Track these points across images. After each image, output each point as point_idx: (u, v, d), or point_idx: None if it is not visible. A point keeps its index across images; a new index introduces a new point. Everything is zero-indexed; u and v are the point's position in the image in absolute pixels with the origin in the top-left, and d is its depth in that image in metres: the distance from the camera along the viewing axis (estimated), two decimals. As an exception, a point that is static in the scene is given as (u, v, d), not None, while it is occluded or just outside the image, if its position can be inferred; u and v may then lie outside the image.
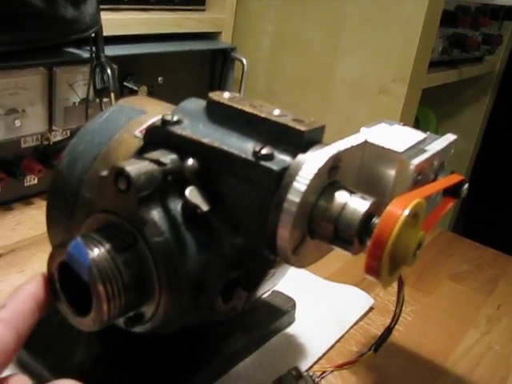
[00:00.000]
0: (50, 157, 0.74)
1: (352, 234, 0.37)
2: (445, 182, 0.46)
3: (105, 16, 0.75)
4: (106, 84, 0.71)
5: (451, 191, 0.48)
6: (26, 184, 0.74)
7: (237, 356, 0.51)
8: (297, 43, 1.03)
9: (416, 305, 0.67)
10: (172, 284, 0.37)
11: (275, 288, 0.57)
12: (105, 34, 0.74)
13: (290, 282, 0.64)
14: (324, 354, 0.55)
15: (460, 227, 1.46)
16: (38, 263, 0.62)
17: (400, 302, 0.50)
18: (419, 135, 0.46)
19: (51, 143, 0.74)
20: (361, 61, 0.93)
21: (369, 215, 0.37)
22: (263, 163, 0.36)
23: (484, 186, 1.44)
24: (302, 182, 0.35)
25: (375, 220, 0.37)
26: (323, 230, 0.37)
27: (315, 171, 0.36)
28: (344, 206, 0.37)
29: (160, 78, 0.88)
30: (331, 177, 0.38)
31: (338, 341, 0.58)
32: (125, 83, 0.81)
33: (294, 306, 0.57)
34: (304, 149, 0.37)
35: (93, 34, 0.71)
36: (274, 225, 0.36)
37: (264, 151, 0.37)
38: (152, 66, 0.87)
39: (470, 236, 0.87)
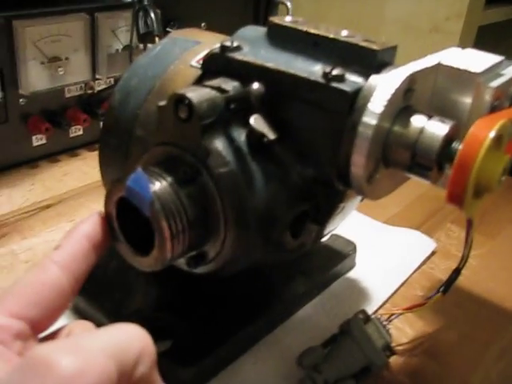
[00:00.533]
0: (95, 106, 0.72)
1: (431, 160, 0.34)
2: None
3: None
4: (149, 28, 0.69)
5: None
6: (71, 135, 0.73)
7: (299, 300, 0.49)
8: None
9: (480, 249, 0.64)
10: (239, 218, 0.35)
11: (335, 231, 0.55)
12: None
13: (349, 226, 0.62)
14: (388, 299, 0.53)
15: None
16: (86, 213, 0.60)
17: (469, 243, 0.47)
18: (495, 58, 0.42)
19: (95, 92, 0.72)
20: (412, -1, 0.89)
21: (448, 139, 0.34)
22: (335, 85, 0.34)
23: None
24: (377, 104, 0.33)
25: (456, 144, 0.34)
26: (399, 157, 0.35)
27: (392, 91, 0.33)
28: (422, 130, 0.34)
29: (203, 24, 0.85)
30: (406, 100, 0.35)
31: (401, 285, 0.55)
32: (167, 29, 0.78)
33: (354, 249, 0.55)
34: (377, 70, 0.35)
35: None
36: (348, 151, 0.33)
37: (335, 72, 0.34)
38: (195, 10, 0.84)
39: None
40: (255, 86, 0.34)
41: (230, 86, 0.36)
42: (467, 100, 0.39)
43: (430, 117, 0.35)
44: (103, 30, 0.69)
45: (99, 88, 0.73)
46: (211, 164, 0.34)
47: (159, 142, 0.36)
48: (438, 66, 0.39)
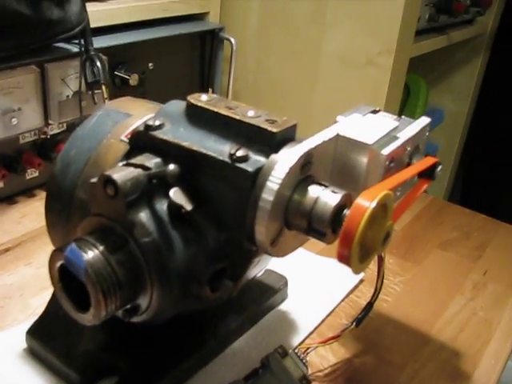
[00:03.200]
0: (49, 149, 0.77)
1: (324, 226, 0.40)
2: (417, 167, 0.48)
3: (91, 8, 0.77)
4: (96, 77, 0.74)
5: (426, 174, 0.51)
6: (27, 177, 0.77)
7: (232, 335, 0.55)
8: (284, 18, 1.04)
9: (405, 275, 0.70)
10: (162, 278, 0.40)
11: (268, 267, 0.61)
12: (92, 25, 0.77)
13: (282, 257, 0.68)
14: (315, 329, 0.59)
15: (457, 192, 1.48)
16: (43, 255, 0.65)
17: (380, 277, 0.53)
18: (391, 124, 0.48)
19: (48, 136, 0.77)
20: (347, 34, 0.95)
21: (340, 207, 0.40)
22: (238, 165, 0.39)
23: (481, 148, 1.46)
24: (274, 182, 0.38)
25: (346, 212, 0.40)
26: (298, 223, 0.40)
27: (286, 170, 0.38)
28: (316, 200, 0.40)
29: (150, 64, 0.90)
30: (304, 172, 0.41)
31: (329, 314, 0.61)
32: (116, 72, 0.84)
33: (285, 283, 0.61)
34: (276, 148, 0.40)
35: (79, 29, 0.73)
36: (252, 221, 0.39)
37: (239, 153, 0.39)
38: (142, 53, 0.89)
39: (467, 200, 0.89)
40: (171, 167, 0.40)
41: (153, 163, 0.41)
42: (363, 165, 0.45)
43: (325, 187, 0.41)
44: (53, 79, 0.74)
45: (52, 132, 0.77)
46: (136, 235, 0.40)
47: (93, 213, 0.42)
48: (337, 136, 0.45)
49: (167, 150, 0.42)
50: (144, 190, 0.40)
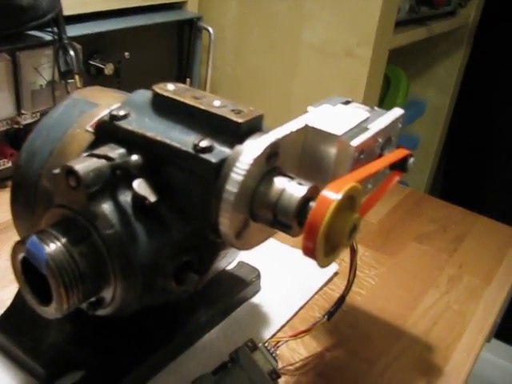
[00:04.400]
0: (21, 140, 0.75)
1: (290, 218, 0.39)
2: (387, 159, 0.48)
3: (65, -5, 0.76)
4: (70, 66, 0.73)
5: (398, 166, 0.51)
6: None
7: (201, 329, 0.54)
8: (262, 8, 1.03)
9: (380, 268, 0.70)
10: (125, 271, 0.40)
11: (241, 259, 0.60)
12: (66, 13, 0.75)
13: (256, 250, 0.67)
14: (288, 322, 0.58)
15: (438, 185, 1.48)
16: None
17: (353, 270, 0.52)
18: (362, 115, 0.47)
19: (21, 126, 0.76)
20: (326, 24, 0.94)
21: (306, 200, 0.39)
22: (202, 156, 0.38)
23: (462, 142, 1.46)
24: (239, 173, 0.37)
25: (312, 204, 0.39)
26: (264, 215, 0.40)
27: (251, 161, 0.38)
28: (282, 192, 0.39)
29: (127, 53, 0.89)
30: (270, 164, 0.40)
31: (302, 307, 0.61)
32: (90, 61, 0.82)
33: (258, 275, 0.60)
34: (242, 139, 0.39)
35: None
36: (216, 213, 0.38)
37: (203, 144, 0.39)
38: (117, 41, 0.88)
39: (448, 193, 0.89)
40: (134, 158, 0.39)
41: (116, 153, 0.40)
42: (332, 157, 0.44)
43: (291, 178, 0.40)
44: (26, 67, 0.73)
45: (25, 122, 0.76)
46: (99, 226, 0.39)
47: (57, 204, 0.41)
48: (306, 127, 0.44)
49: (132, 141, 0.41)
50: (107, 181, 0.39)
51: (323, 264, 0.39)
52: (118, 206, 0.40)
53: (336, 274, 0.66)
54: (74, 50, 0.72)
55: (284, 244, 0.69)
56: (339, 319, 0.60)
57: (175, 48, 0.99)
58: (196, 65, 1.01)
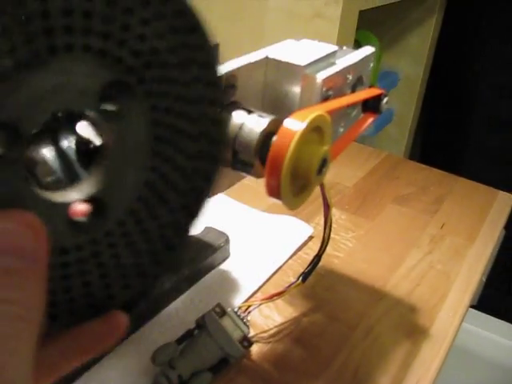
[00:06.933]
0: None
1: (251, 156, 0.34)
2: (358, 95, 0.44)
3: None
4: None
5: (371, 106, 0.46)
6: None
7: (166, 297, 0.50)
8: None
9: (358, 231, 0.65)
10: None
11: (208, 224, 0.56)
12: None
13: (226, 216, 0.63)
14: (260, 288, 0.54)
15: (416, 155, 1.45)
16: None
17: (328, 227, 0.48)
18: (328, 48, 0.43)
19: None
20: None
21: (268, 134, 0.35)
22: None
23: (438, 109, 1.43)
24: (190, 104, 0.33)
25: (275, 139, 0.35)
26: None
27: (203, 91, 0.33)
28: (241, 127, 0.35)
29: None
30: (227, 98, 0.35)
31: (275, 273, 0.56)
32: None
33: (227, 240, 0.56)
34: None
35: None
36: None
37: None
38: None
39: (425, 163, 0.85)
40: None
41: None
42: (297, 91, 0.40)
43: (250, 112, 0.35)
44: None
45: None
46: (38, 174, 0.34)
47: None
48: (267, 59, 0.39)
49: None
50: (47, 124, 0.35)
51: (291, 205, 0.35)
52: (60, 152, 0.35)
53: (311, 237, 0.62)
54: None
55: (254, 209, 0.65)
56: (316, 283, 0.55)
57: None
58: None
